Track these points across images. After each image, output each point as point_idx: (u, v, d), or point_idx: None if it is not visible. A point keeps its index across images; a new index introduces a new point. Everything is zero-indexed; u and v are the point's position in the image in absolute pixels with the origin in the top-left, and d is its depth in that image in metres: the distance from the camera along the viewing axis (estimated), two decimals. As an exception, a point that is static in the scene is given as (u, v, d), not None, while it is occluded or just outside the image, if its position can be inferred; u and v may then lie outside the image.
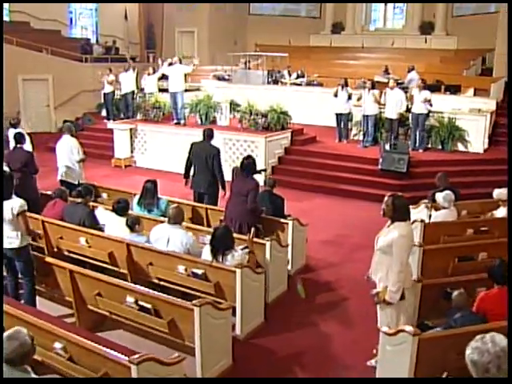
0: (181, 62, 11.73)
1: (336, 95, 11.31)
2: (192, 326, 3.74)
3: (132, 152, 12.25)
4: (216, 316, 3.84)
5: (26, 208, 4.51)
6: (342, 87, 11.30)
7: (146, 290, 4.10)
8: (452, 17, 19.76)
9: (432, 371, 3.38)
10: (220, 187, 6.89)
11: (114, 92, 14.66)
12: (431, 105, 10.65)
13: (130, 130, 12.16)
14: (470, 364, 2.40)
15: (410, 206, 6.98)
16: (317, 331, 4.91)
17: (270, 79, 15.37)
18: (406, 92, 11.11)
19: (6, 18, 18.01)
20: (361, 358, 4.39)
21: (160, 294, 4.03)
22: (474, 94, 13.54)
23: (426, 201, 6.84)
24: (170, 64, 11.75)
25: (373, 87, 11.21)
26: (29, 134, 8.38)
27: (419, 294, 4.26)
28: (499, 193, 6.51)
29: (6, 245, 4.50)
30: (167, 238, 4.83)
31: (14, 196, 4.51)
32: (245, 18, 21.90)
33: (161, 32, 21.18)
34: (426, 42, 18.28)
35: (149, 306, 3.94)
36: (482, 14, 17.98)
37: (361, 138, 11.63)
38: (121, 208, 5.45)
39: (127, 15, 20.58)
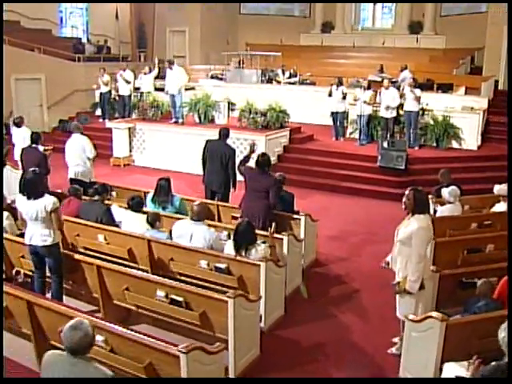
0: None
1: (330, 94, 11.51)
2: (224, 317, 3.87)
3: (131, 151, 12.30)
4: (247, 307, 3.98)
5: (58, 205, 4.60)
6: (337, 86, 11.49)
7: (177, 283, 4.22)
8: (440, 16, 20.11)
9: (456, 355, 3.55)
10: (232, 187, 7.05)
11: (110, 92, 14.71)
12: (420, 103, 10.90)
13: (129, 129, 12.20)
14: (503, 345, 2.59)
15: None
16: (335, 322, 5.09)
17: (263, 78, 15.53)
18: (398, 90, 11.32)
19: (-3, 18, 17.95)
20: (380, 347, 4.57)
21: (191, 286, 4.15)
22: (465, 93, 13.85)
23: (430, 196, 7.05)
24: (170, 63, 11.80)
25: (368, 87, 11.45)
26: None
27: (437, 284, 4.44)
28: (500, 188, 6.75)
29: (39, 242, 4.57)
30: (190, 234, 4.95)
31: (46, 194, 4.58)
32: (235, 17, 22.01)
33: (152, 31, 21.16)
34: (417, 41, 18.55)
35: (180, 299, 4.06)
36: (469, 13, 18.33)
37: (357, 136, 11.84)
38: (136, 204, 5.57)
39: (118, 15, 20.57)
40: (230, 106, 12.06)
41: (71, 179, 7.42)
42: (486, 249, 5.53)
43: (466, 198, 7.21)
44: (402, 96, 10.98)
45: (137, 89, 14.35)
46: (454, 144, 11.48)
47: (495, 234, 5.71)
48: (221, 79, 15.83)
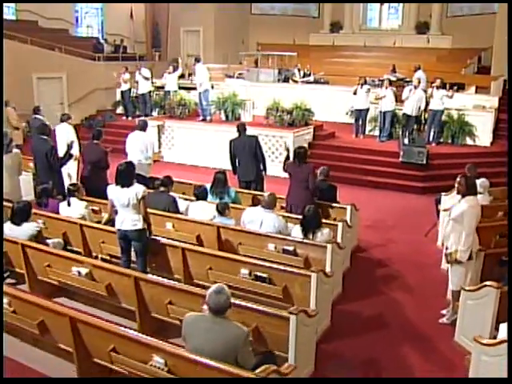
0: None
1: (355, 93, 12.15)
2: (305, 290, 4.49)
3: (159, 147, 12.87)
4: (325, 282, 4.61)
5: (146, 194, 5.18)
6: (362, 85, 12.13)
7: (260, 262, 4.84)
8: (447, 17, 20.75)
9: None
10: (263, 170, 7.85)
11: (130, 90, 15.25)
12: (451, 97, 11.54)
13: (158, 126, 12.78)
14: None
15: (443, 194, 7.91)
16: (386, 299, 5.75)
17: (279, 77, 16.13)
18: (424, 91, 11.94)
19: (12, 17, 18.40)
20: (432, 318, 5.23)
21: (274, 265, 4.78)
22: (476, 92, 14.52)
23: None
24: (197, 60, 12.43)
25: (390, 85, 12.08)
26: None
27: (482, 261, 5.10)
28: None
29: (130, 227, 5.14)
30: (260, 220, 5.57)
31: (136, 183, 5.17)
32: (247, 17, 22.56)
33: (166, 31, 21.65)
34: (428, 41, 19.19)
35: (265, 275, 4.68)
36: (477, 14, 18.95)
37: (376, 133, 12.50)
38: (202, 193, 6.19)
39: (133, 14, 21.06)
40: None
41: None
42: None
43: (490, 189, 7.87)
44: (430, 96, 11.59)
45: (161, 87, 14.93)
46: (468, 141, 12.14)
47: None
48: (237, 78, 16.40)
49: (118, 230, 5.27)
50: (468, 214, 4.77)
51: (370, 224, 8.27)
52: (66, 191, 6.33)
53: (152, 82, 14.87)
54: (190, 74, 16.71)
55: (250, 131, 10.47)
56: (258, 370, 3.06)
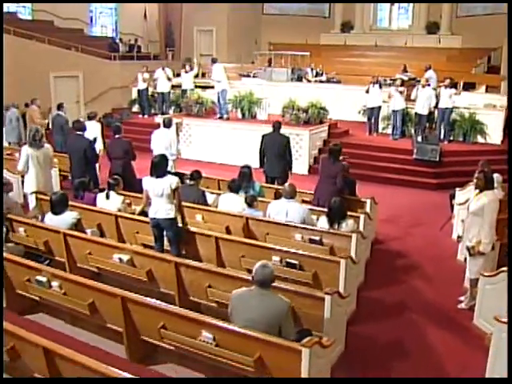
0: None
1: (368, 91, 12.45)
2: (335, 276, 4.80)
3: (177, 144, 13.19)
4: (353, 267, 4.93)
5: (180, 185, 5.51)
6: (373, 84, 12.43)
7: (291, 249, 5.15)
8: (456, 17, 20.98)
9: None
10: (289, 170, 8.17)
11: (147, 89, 15.62)
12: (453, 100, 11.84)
13: (176, 124, 13.10)
14: None
15: (457, 189, 8.19)
16: (406, 286, 6.09)
17: (293, 76, 16.44)
18: (434, 89, 12.23)
19: (28, 17, 18.79)
20: (450, 304, 5.54)
21: (304, 252, 5.10)
22: (486, 91, 14.77)
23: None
24: (213, 61, 12.78)
25: (401, 85, 12.37)
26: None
27: (498, 250, 5.40)
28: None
29: (163, 215, 5.46)
30: (286, 211, 5.89)
31: (169, 174, 5.50)
32: (259, 17, 22.86)
33: (179, 31, 21.98)
34: (439, 42, 19.43)
35: (296, 261, 5.00)
36: (486, 14, 19.18)
37: (389, 131, 12.79)
38: (236, 187, 6.52)
39: (146, 14, 21.41)
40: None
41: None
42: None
43: (503, 184, 8.16)
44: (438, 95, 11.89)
45: (177, 86, 15.29)
46: (480, 139, 12.41)
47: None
48: (252, 77, 16.72)
49: (152, 218, 5.60)
50: (489, 207, 5.07)
51: (386, 218, 8.55)
52: (107, 185, 6.65)
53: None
54: (203, 74, 17.08)
55: (266, 129, 10.89)
56: (303, 341, 3.27)
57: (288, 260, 5.04)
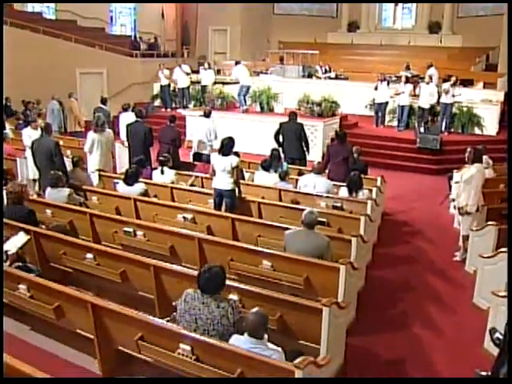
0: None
1: (376, 88, 13.75)
2: (357, 231, 6.09)
3: (202, 135, 14.50)
4: (370, 225, 6.26)
5: (240, 164, 6.81)
6: (381, 81, 13.73)
7: (320, 208, 6.46)
8: (457, 17, 22.22)
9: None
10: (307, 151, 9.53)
11: (169, 85, 16.93)
12: (454, 95, 13.11)
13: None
14: None
15: (454, 171, 9.47)
16: (410, 245, 7.46)
17: (304, 74, 17.72)
18: (437, 86, 13.51)
19: (52, 17, 20.01)
20: (446, 257, 6.87)
21: (331, 210, 6.41)
22: (484, 87, 16.05)
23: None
24: (237, 63, 14.14)
25: (407, 81, 13.66)
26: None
27: (485, 213, 6.71)
28: None
29: (224, 186, 6.74)
30: (313, 184, 7.21)
31: (231, 154, 6.79)
32: (270, 17, 24.08)
33: (195, 30, 23.20)
34: (440, 41, 20.67)
35: (324, 219, 6.30)
36: (486, 15, 20.41)
37: (394, 123, 14.09)
38: (268, 165, 7.83)
39: (164, 14, 22.64)
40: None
41: (195, 153, 9.69)
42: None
43: (495, 167, 9.48)
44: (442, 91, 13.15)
45: (196, 82, 16.60)
46: (477, 130, 13.70)
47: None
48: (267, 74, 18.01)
49: (215, 188, 6.89)
50: (476, 177, 6.38)
51: (392, 196, 9.83)
52: (159, 162, 7.96)
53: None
54: (218, 71, 18.36)
55: (283, 121, 12.18)
56: (296, 361, 3.14)
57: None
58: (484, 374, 4.13)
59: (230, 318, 3.49)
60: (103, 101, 12.20)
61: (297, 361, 3.11)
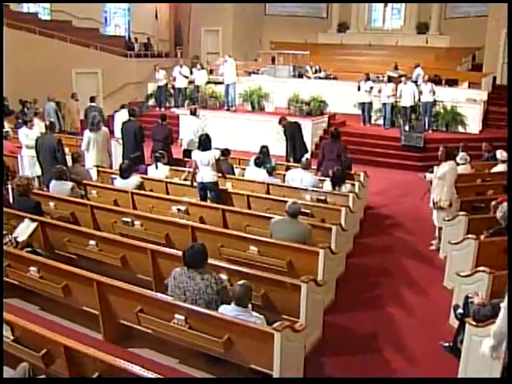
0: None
1: (359, 88, 14.29)
2: (338, 220, 6.59)
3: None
4: (351, 216, 6.74)
5: (221, 156, 7.28)
6: (365, 81, 14.26)
7: (305, 201, 6.94)
8: (445, 19, 22.80)
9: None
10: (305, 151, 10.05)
11: (166, 85, 17.36)
12: (434, 93, 13.65)
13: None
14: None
15: (435, 167, 9.96)
16: (392, 237, 7.97)
17: (294, 73, 18.19)
18: (417, 85, 14.04)
19: (47, 17, 20.33)
20: (423, 246, 7.40)
21: (314, 202, 6.90)
22: (469, 87, 16.61)
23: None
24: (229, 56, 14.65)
25: (389, 81, 14.20)
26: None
27: (459, 206, 7.21)
28: (500, 154, 9.43)
29: (209, 179, 7.24)
30: (300, 178, 7.69)
31: (212, 148, 7.26)
32: (261, 17, 24.52)
33: (188, 30, 23.60)
34: (427, 41, 21.22)
35: (308, 211, 6.78)
36: (473, 16, 20.96)
37: (381, 122, 14.61)
38: (260, 162, 8.30)
39: (157, 14, 23.01)
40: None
41: (185, 150, 10.14)
42: (487, 193, 8.26)
43: (473, 163, 9.98)
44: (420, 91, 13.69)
45: (190, 82, 17.04)
46: (460, 128, 14.25)
47: (493, 183, 8.44)
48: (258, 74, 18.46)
49: (200, 182, 7.36)
50: (449, 173, 6.87)
51: (377, 191, 10.36)
52: (153, 158, 8.41)
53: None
54: (211, 71, 18.79)
55: (273, 120, 12.68)
56: (275, 324, 3.45)
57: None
58: (446, 344, 4.66)
59: (214, 287, 4.05)
60: (92, 99, 12.65)
61: (275, 324, 3.48)
